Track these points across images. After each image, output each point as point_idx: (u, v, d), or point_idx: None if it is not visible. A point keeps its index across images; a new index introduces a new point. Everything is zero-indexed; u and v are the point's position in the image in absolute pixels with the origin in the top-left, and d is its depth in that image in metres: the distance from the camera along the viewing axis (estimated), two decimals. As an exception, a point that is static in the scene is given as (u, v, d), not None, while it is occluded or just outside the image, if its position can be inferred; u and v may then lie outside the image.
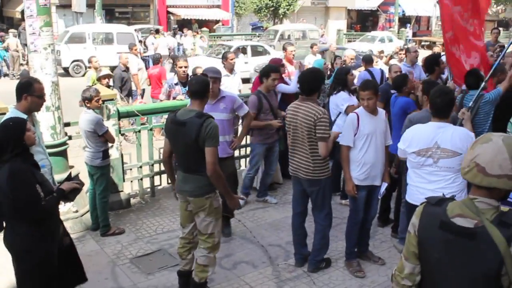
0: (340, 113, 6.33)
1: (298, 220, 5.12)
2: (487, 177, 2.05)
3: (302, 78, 4.91)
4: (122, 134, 7.86)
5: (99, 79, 9.06)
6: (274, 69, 6.47)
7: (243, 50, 18.88)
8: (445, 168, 4.03)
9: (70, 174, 4.04)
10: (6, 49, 19.80)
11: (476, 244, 2.03)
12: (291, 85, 7.18)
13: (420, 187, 4.19)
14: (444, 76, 6.71)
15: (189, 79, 7.96)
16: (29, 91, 4.30)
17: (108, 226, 5.82)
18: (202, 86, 4.21)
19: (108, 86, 8.87)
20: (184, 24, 32.04)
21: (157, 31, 24.01)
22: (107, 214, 5.83)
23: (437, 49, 10.91)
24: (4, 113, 5.21)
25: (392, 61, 11.22)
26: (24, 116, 4.18)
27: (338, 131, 5.54)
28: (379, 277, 4.99)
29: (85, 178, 5.54)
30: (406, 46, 15.69)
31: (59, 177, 5.09)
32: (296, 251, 5.20)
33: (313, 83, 4.78)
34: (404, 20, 40.73)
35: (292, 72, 8.30)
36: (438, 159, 4.03)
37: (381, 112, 4.99)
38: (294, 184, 5.08)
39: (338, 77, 6.52)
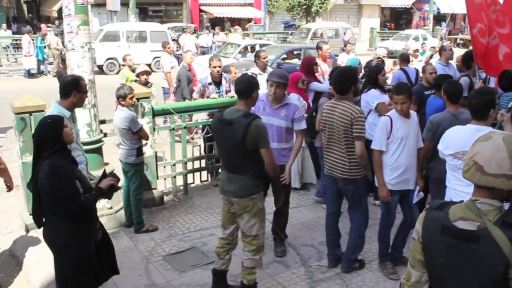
0: (371, 110, 6.26)
1: (332, 220, 5.06)
2: (485, 176, 1.97)
3: (333, 77, 4.89)
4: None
5: (137, 75, 9.14)
6: None
7: (252, 48, 18.71)
8: None
9: (104, 171, 4.08)
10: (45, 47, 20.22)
11: (479, 247, 1.94)
12: (324, 84, 7.16)
13: (458, 190, 4.06)
14: (483, 76, 6.53)
15: (223, 78, 8.10)
16: (77, 88, 4.38)
17: (141, 223, 5.87)
18: (246, 86, 4.18)
19: (146, 83, 8.92)
20: (216, 23, 32.19)
21: (195, 30, 24.09)
22: (140, 211, 5.89)
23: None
24: (42, 110, 5.32)
25: (432, 61, 11.02)
26: (68, 113, 4.26)
27: (369, 129, 5.49)
28: (414, 280, 4.88)
29: (119, 175, 5.59)
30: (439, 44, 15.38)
31: (94, 174, 5.15)
32: (329, 251, 5.15)
33: (344, 82, 4.70)
34: (439, 18, 39.97)
35: (325, 71, 8.26)
36: None
37: (413, 114, 4.88)
38: (329, 183, 5.02)
39: (369, 75, 6.48)
